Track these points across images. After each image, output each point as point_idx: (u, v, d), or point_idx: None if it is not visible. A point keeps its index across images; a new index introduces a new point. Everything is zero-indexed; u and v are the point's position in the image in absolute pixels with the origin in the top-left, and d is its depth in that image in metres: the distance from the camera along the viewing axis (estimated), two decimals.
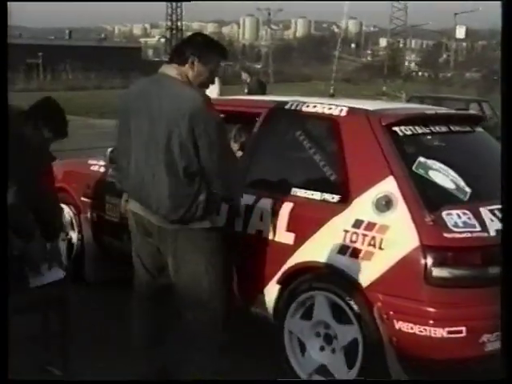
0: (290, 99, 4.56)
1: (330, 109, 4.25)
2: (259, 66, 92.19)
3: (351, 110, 4.18)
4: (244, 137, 4.99)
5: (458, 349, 3.56)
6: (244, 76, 13.27)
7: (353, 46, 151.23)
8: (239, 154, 4.85)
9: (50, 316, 4.28)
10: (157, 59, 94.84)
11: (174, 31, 63.70)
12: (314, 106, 4.35)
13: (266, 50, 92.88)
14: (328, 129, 4.22)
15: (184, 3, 60.59)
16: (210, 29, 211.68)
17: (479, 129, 4.73)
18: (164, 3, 62.40)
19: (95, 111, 27.79)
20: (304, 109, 4.38)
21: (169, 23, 63.65)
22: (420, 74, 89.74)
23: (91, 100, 33.70)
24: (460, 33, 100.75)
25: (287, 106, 4.47)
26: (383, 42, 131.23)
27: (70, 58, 57.79)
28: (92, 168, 5.78)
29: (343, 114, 4.17)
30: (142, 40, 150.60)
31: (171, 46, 58.50)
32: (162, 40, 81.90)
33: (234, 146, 5.08)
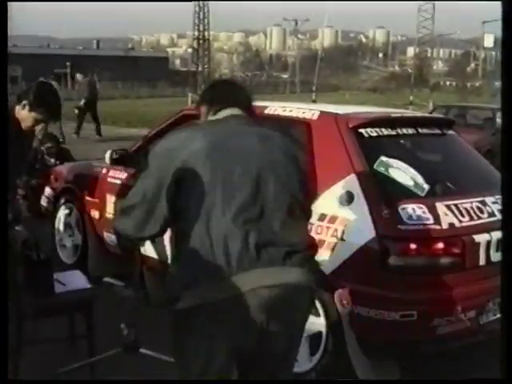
0: (269, 104, 4.94)
1: (304, 113, 4.63)
2: (286, 76, 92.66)
3: (322, 114, 4.56)
4: None
5: (411, 331, 3.87)
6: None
7: (380, 55, 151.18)
8: None
9: (74, 319, 4.43)
10: (184, 69, 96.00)
11: (201, 41, 64.26)
12: (291, 111, 4.73)
13: (293, 60, 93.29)
14: (302, 131, 4.57)
15: (212, 13, 61.23)
16: (236, 38, 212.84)
17: (450, 132, 5.04)
18: (191, 13, 63.00)
19: (122, 120, 28.26)
20: (281, 113, 4.76)
21: (196, 33, 64.19)
22: (448, 83, 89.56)
23: (118, 109, 34.24)
24: (488, 41, 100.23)
25: (266, 111, 4.85)
26: (410, 51, 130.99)
27: (98, 67, 58.62)
28: (95, 169, 6.19)
29: (315, 117, 4.54)
30: (169, 50, 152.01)
31: (198, 56, 59.10)
32: (189, 50, 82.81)
33: None
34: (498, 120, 16.70)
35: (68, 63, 56.89)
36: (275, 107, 4.84)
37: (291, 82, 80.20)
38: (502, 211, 2.77)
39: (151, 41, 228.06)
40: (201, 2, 57.11)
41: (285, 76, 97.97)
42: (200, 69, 58.06)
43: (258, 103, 5.35)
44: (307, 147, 4.49)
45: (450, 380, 4.00)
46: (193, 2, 57.64)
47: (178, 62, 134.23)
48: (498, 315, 4.18)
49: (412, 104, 42.52)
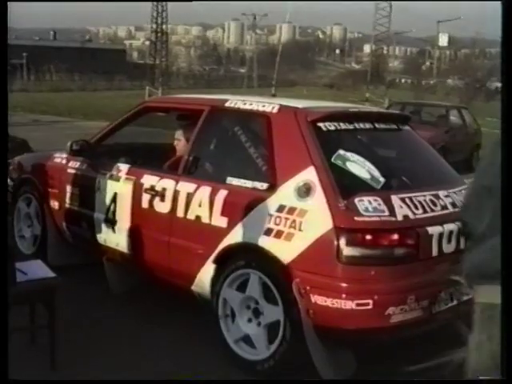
0: (230, 97, 5.03)
1: (264, 106, 4.72)
2: (243, 71, 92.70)
3: (282, 108, 4.65)
4: (188, 133, 5.39)
5: (366, 320, 3.99)
6: None
7: (337, 51, 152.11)
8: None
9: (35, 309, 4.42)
10: (141, 62, 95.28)
11: (160, 34, 63.90)
12: (251, 104, 4.82)
13: (251, 55, 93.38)
14: (261, 124, 4.68)
15: (169, 6, 60.87)
16: (194, 32, 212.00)
17: (406, 127, 5.19)
18: (149, 6, 62.62)
19: (79, 112, 28.12)
20: (242, 106, 4.84)
21: (154, 26, 63.77)
22: (403, 80, 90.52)
23: (75, 102, 34.03)
24: (443, 40, 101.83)
25: (227, 104, 4.93)
26: (367, 48, 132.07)
27: (55, 59, 58.01)
28: (55, 160, 6.19)
29: (275, 110, 4.63)
30: (127, 42, 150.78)
31: (156, 49, 58.77)
32: (147, 43, 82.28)
33: (181, 145, 5.50)
34: (452, 118, 17.05)
35: (24, 54, 56.14)
36: (235, 100, 4.93)
37: (249, 76, 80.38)
38: (502, 211, 2.83)
39: (108, 33, 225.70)
40: None
41: (242, 70, 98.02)
42: (158, 62, 57.73)
43: (218, 96, 5.49)
44: (266, 139, 4.60)
45: (450, 380, 4.11)
46: None
47: (135, 54, 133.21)
48: (450, 304, 4.34)
49: (368, 100, 43.00)
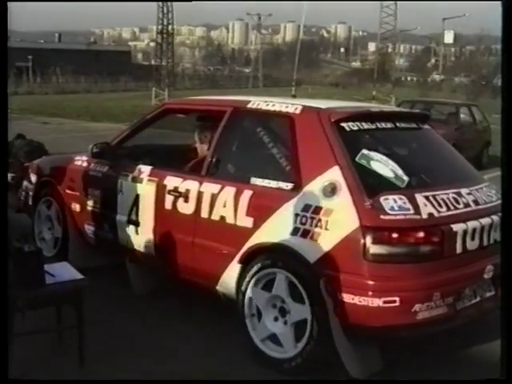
0: (252, 98, 5.08)
1: (287, 107, 4.77)
2: (248, 70, 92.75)
3: (305, 108, 4.70)
4: (209, 134, 5.44)
5: (393, 317, 4.04)
6: None
7: (342, 50, 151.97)
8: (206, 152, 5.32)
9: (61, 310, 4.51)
10: (146, 63, 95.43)
11: (165, 35, 63.92)
12: (273, 105, 4.87)
13: (256, 55, 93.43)
14: (285, 125, 4.72)
15: (174, 7, 60.95)
16: (198, 33, 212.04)
17: (426, 126, 5.24)
18: (153, 7, 62.66)
19: (87, 114, 28.22)
20: (264, 107, 4.90)
21: (160, 27, 63.79)
22: (409, 78, 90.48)
23: (82, 103, 34.13)
24: (448, 38, 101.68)
25: (249, 105, 4.98)
26: (372, 46, 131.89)
27: (60, 61, 58.11)
28: (76, 163, 6.25)
29: (298, 111, 4.68)
30: (132, 44, 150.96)
31: (162, 50, 58.82)
32: (152, 44, 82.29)
33: (203, 146, 5.56)
34: (462, 115, 17.05)
35: (30, 57, 56.26)
36: (258, 101, 4.97)
37: (254, 76, 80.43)
38: (501, 210, 2.85)
39: (113, 34, 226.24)
40: None
41: (247, 70, 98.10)
42: (164, 63, 57.81)
43: (240, 97, 5.54)
44: (289, 140, 4.65)
45: (450, 380, 4.17)
46: None
47: (140, 56, 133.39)
48: (474, 301, 4.39)
49: (374, 99, 42.94)
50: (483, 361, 4.59)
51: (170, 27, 62.25)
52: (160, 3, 58.01)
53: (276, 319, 4.47)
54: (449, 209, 4.32)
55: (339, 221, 4.13)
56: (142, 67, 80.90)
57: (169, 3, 58.32)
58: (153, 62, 71.98)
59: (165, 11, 60.74)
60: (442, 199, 4.35)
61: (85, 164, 6.10)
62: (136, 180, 5.47)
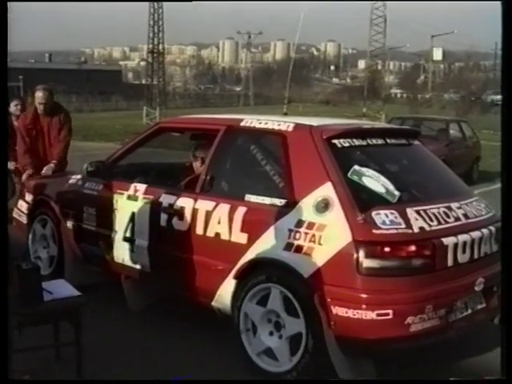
0: (245, 117, 5.17)
1: (279, 125, 4.86)
2: (239, 89, 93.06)
3: (297, 126, 4.79)
4: (203, 153, 5.53)
5: (386, 329, 4.11)
6: None
7: (332, 68, 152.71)
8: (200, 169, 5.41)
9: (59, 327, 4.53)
10: (137, 82, 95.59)
11: (156, 54, 64.01)
12: (266, 123, 4.96)
13: (246, 73, 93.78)
14: (277, 142, 4.81)
15: (165, 25, 61.13)
16: (189, 52, 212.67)
17: (416, 142, 5.34)
18: (144, 26, 62.85)
19: (78, 134, 28.15)
20: (257, 125, 4.99)
21: (150, 46, 63.87)
22: (399, 95, 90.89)
23: (73, 123, 33.93)
24: (437, 55, 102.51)
25: (243, 123, 5.07)
26: (361, 64, 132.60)
27: (51, 80, 58.05)
28: (71, 181, 6.31)
29: (290, 129, 4.77)
30: (122, 63, 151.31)
31: (153, 69, 58.90)
32: (142, 63, 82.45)
33: (197, 164, 5.64)
34: (452, 131, 17.20)
35: (20, 77, 56.25)
36: (251, 120, 5.07)
37: (245, 94, 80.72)
38: (501, 212, 2.94)
39: (104, 54, 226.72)
40: (156, 15, 56.95)
41: (238, 89, 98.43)
42: (155, 82, 57.88)
43: (233, 116, 5.63)
44: (282, 157, 4.74)
45: (450, 380, 4.23)
46: (148, 16, 57.39)
47: (130, 75, 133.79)
48: (465, 313, 4.47)
49: (365, 116, 43.26)
50: (483, 361, 4.65)
51: (160, 46, 62.31)
52: (151, 22, 58.11)
53: (271, 333, 4.53)
54: (439, 223, 4.41)
55: (332, 236, 4.21)
56: (133, 86, 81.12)
57: (160, 22, 58.45)
58: (144, 81, 72.13)
59: (155, 31, 60.87)
60: (433, 213, 4.43)
61: (80, 182, 6.16)
62: (131, 198, 5.54)
